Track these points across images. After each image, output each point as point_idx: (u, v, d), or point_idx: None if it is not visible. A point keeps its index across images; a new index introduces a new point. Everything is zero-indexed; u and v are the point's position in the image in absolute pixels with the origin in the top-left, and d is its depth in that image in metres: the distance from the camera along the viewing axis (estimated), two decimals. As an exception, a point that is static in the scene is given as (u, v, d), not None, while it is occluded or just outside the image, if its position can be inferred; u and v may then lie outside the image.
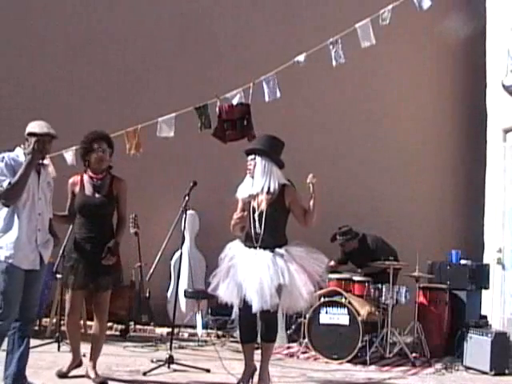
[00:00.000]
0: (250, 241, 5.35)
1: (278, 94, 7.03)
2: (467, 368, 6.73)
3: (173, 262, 8.26)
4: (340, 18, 8.02)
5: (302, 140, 8.98)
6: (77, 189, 5.43)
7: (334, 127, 9.17)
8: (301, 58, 6.97)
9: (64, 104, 8.31)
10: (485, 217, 8.95)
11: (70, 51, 8.53)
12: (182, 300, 8.02)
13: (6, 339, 4.64)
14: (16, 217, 4.61)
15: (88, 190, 5.42)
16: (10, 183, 4.54)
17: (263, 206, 5.31)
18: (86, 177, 5.47)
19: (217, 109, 7.11)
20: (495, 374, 6.54)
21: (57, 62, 8.47)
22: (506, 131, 8.65)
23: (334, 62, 6.88)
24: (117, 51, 8.69)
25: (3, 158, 4.66)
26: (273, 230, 5.31)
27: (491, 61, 9.06)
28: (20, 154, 4.73)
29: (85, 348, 5.56)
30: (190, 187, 6.16)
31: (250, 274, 5.18)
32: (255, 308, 5.14)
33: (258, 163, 5.35)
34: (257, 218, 5.34)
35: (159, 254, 6.38)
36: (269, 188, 5.29)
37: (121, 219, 5.53)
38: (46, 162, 4.92)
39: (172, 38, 8.84)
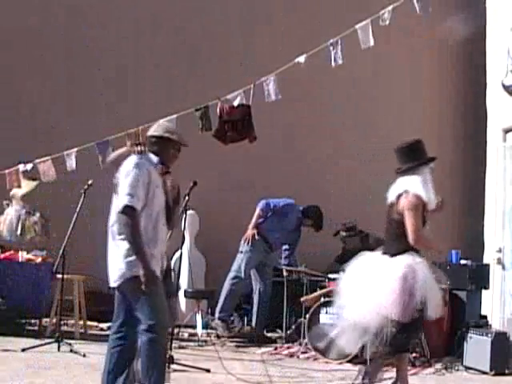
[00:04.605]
0: (416, 251, 5.11)
1: (279, 95, 7.03)
2: (467, 368, 6.72)
3: (173, 262, 8.25)
4: (340, 19, 8.03)
5: (302, 140, 8.99)
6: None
7: (335, 127, 9.17)
8: (301, 58, 6.98)
9: (64, 106, 8.31)
10: (485, 217, 8.94)
11: (70, 52, 8.54)
12: (182, 300, 8.03)
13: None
14: (155, 228, 4.39)
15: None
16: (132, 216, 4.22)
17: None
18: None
19: (217, 110, 7.13)
20: (495, 374, 6.52)
21: (57, 64, 8.47)
22: (506, 131, 8.64)
23: (333, 63, 6.89)
24: (117, 52, 8.70)
25: (137, 164, 4.30)
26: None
27: (491, 61, 9.05)
28: (152, 156, 4.45)
29: (84, 348, 5.55)
30: (190, 187, 6.14)
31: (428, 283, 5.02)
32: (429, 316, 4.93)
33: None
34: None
35: (159, 254, 6.38)
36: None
37: None
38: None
39: (172, 38, 8.84)
